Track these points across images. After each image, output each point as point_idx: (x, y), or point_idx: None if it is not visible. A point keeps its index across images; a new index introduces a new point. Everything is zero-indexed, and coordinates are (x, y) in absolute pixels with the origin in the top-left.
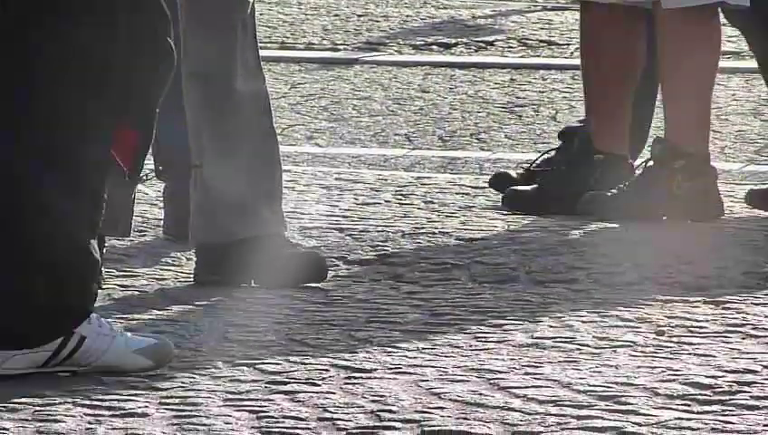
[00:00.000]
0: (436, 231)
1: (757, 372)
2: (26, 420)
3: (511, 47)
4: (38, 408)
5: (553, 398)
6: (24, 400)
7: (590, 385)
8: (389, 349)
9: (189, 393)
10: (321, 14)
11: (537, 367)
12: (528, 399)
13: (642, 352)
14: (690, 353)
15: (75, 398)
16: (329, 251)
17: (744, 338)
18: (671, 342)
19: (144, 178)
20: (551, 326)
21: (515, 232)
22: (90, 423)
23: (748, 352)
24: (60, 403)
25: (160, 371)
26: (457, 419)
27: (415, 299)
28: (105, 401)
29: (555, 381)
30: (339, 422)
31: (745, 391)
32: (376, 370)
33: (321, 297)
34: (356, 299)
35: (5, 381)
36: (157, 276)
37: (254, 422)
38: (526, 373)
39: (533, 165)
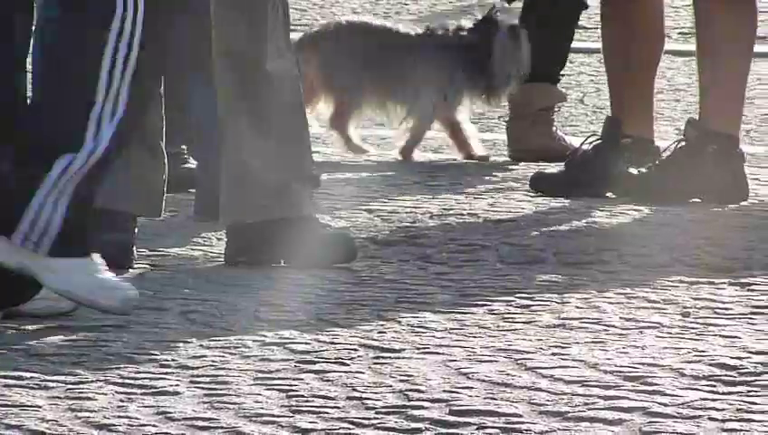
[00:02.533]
0: (465, 212)
1: None
2: (59, 398)
3: None
4: (70, 386)
5: (580, 378)
6: (56, 378)
7: (617, 366)
8: (418, 329)
9: (220, 372)
10: None
11: (564, 347)
12: (555, 379)
13: (668, 333)
14: (716, 335)
15: (107, 376)
16: (358, 232)
17: None
18: (697, 323)
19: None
20: (577, 307)
21: (543, 214)
22: (121, 401)
23: None
24: (92, 381)
25: (191, 350)
26: (485, 399)
27: (443, 280)
28: (137, 379)
29: (582, 361)
30: (367, 401)
31: None
32: (404, 350)
33: (350, 278)
34: (385, 280)
35: (38, 360)
36: (187, 256)
37: (284, 401)
38: (553, 354)
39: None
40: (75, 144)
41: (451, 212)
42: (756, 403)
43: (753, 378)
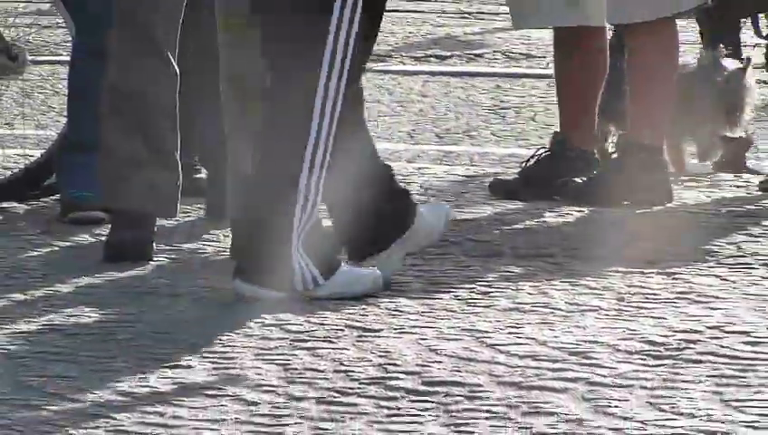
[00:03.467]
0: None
1: (701, 332)
2: (90, 370)
3: (496, 59)
4: (100, 360)
5: (532, 353)
6: (88, 353)
7: (563, 343)
8: (395, 312)
9: (226, 349)
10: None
11: (518, 328)
12: (511, 354)
13: (606, 315)
14: (646, 316)
15: (130, 352)
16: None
17: (690, 303)
18: (630, 306)
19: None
20: (529, 293)
21: (501, 214)
22: (143, 373)
23: (694, 316)
24: (117, 356)
25: (202, 330)
26: (451, 371)
27: (416, 271)
28: (155, 354)
29: (533, 339)
30: (352, 374)
31: (691, 348)
32: (383, 330)
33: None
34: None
35: (73, 339)
36: (199, 250)
37: (281, 373)
38: (509, 333)
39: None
40: None
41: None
42: (680, 374)
43: (677, 353)
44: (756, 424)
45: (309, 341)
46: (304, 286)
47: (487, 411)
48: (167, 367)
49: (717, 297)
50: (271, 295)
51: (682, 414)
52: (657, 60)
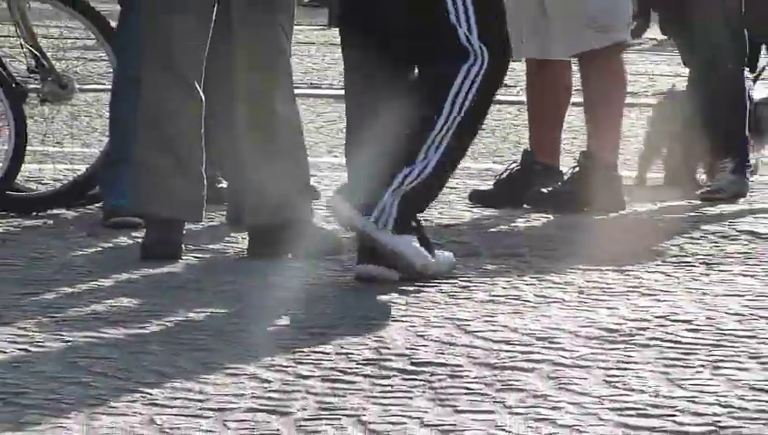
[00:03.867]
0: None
1: (649, 320)
2: (129, 352)
3: None
4: (136, 343)
5: (505, 339)
6: (125, 337)
7: (531, 329)
8: (388, 303)
9: (243, 334)
10: (339, 63)
11: (493, 317)
12: (486, 339)
13: (568, 306)
14: (602, 307)
15: (161, 337)
16: (344, 233)
17: (640, 296)
18: (589, 299)
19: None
20: (503, 287)
21: (478, 220)
22: (172, 354)
23: (643, 307)
24: (151, 341)
25: (223, 318)
26: (436, 354)
27: None
28: (183, 339)
29: (506, 326)
30: (351, 356)
31: (641, 334)
32: (377, 318)
33: (338, 266)
34: (350, 268)
35: (113, 325)
36: (221, 251)
37: (290, 355)
38: (485, 321)
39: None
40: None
41: None
42: (631, 356)
43: (629, 338)
44: (696, 399)
45: (314, 328)
46: (420, 264)
47: (466, 388)
48: (193, 350)
49: (663, 291)
50: (394, 276)
51: (633, 390)
52: (607, 86)
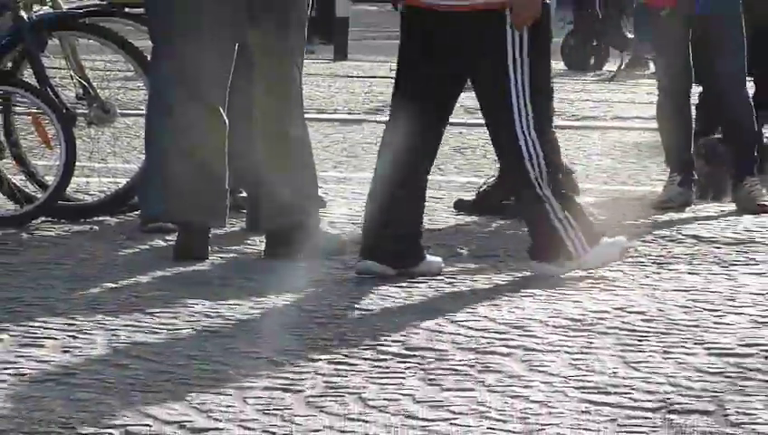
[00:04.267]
0: None
1: (609, 311)
2: (162, 338)
3: (459, 113)
4: (168, 330)
5: (484, 327)
6: (158, 325)
7: (507, 319)
8: (384, 297)
9: (260, 325)
10: (342, 92)
11: (474, 308)
12: (469, 328)
13: (539, 299)
14: (568, 300)
15: (190, 323)
16: (347, 237)
17: (601, 291)
18: (557, 293)
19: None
20: (482, 284)
21: (461, 226)
22: (201, 340)
23: (603, 300)
24: (181, 328)
25: (245, 309)
26: (426, 340)
27: None
28: (211, 328)
29: (485, 317)
30: (352, 341)
31: (601, 323)
32: (375, 310)
33: (340, 265)
34: (351, 265)
35: (147, 315)
36: (243, 252)
37: (300, 341)
38: (467, 312)
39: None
40: None
41: None
42: (593, 343)
43: (591, 327)
44: (649, 379)
45: (321, 318)
46: (577, 255)
47: (452, 370)
48: (218, 337)
49: (620, 287)
50: (391, 272)
51: (595, 372)
52: None
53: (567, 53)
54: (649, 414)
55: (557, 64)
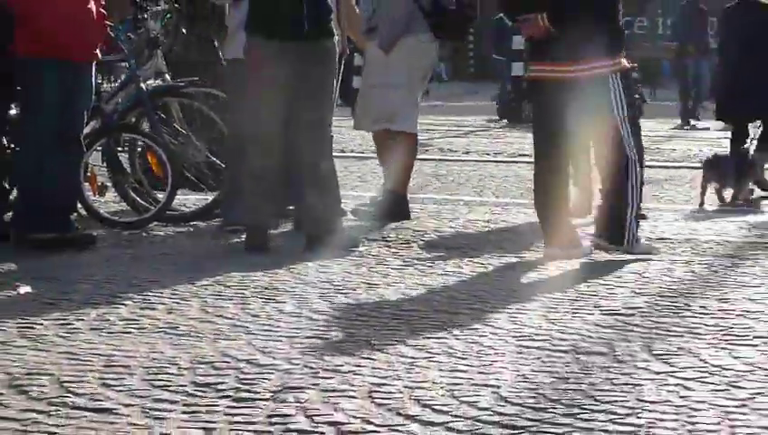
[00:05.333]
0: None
1: (537, 280)
2: (222, 318)
3: (434, 151)
4: (234, 305)
5: (453, 295)
6: (223, 297)
7: (469, 289)
8: (385, 277)
9: (298, 290)
10: (356, 137)
11: (446, 282)
12: (442, 295)
13: (487, 275)
14: (509, 276)
15: (253, 293)
16: (360, 233)
17: (528, 270)
18: (500, 270)
19: None
20: (452, 266)
21: (439, 229)
22: (246, 306)
23: (531, 271)
24: (248, 297)
25: (292, 285)
26: (411, 304)
27: (394, 254)
28: (262, 293)
29: (452, 287)
30: (356, 309)
31: (533, 294)
32: (377, 286)
33: (356, 255)
34: (365, 256)
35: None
36: (289, 247)
37: (326, 303)
38: (442, 283)
39: None
40: None
41: (394, 230)
42: (525, 305)
43: (524, 296)
44: (563, 331)
45: (340, 287)
46: (630, 244)
47: (430, 325)
48: (266, 300)
49: (545, 268)
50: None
51: (526, 326)
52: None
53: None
54: (563, 355)
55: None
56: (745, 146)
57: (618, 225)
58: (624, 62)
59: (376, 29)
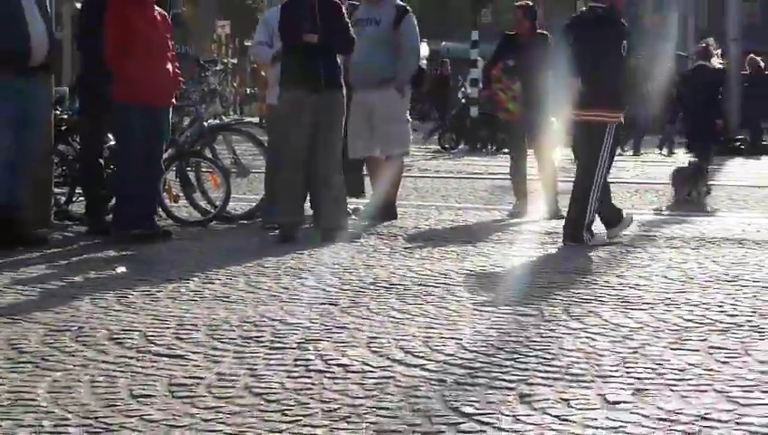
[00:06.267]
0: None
1: (480, 267)
2: (261, 295)
3: (414, 171)
4: (272, 289)
5: (425, 274)
6: (262, 280)
7: (435, 269)
8: (381, 257)
9: (316, 272)
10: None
11: (422, 265)
12: (419, 274)
13: (454, 259)
14: (466, 260)
15: (284, 274)
16: (360, 229)
17: (476, 254)
18: (467, 255)
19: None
20: (438, 254)
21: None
22: (280, 284)
23: (474, 260)
24: (281, 274)
25: (320, 266)
26: (400, 279)
27: (392, 245)
28: (293, 270)
29: (434, 269)
30: (363, 280)
31: (467, 273)
32: (374, 265)
33: (359, 244)
34: (363, 244)
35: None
36: (308, 239)
37: (337, 274)
38: (419, 265)
39: None
40: None
41: (385, 227)
42: (470, 279)
43: (461, 273)
44: (485, 285)
45: (349, 267)
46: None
47: (412, 294)
48: (297, 274)
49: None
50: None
51: (472, 292)
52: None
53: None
54: (506, 315)
55: None
56: (693, 160)
57: (578, 227)
58: (621, 117)
59: (388, 80)
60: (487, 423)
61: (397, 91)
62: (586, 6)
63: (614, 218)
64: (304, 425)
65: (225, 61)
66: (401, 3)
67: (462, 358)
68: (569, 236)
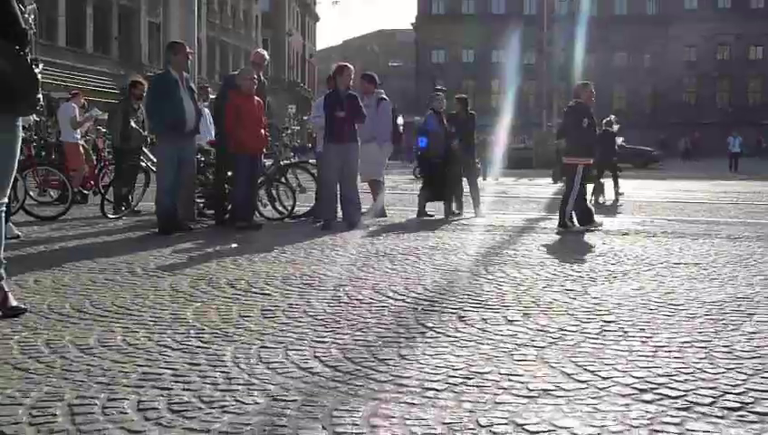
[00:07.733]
0: (395, 232)
1: (445, 251)
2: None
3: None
4: (304, 276)
5: (405, 250)
6: (294, 269)
7: (410, 247)
8: (377, 243)
9: (335, 257)
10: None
11: (407, 243)
12: (397, 254)
13: (424, 238)
14: (431, 238)
15: (310, 261)
16: (368, 223)
17: (445, 251)
18: (439, 240)
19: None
20: (429, 246)
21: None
22: (307, 268)
23: (436, 238)
24: (311, 254)
25: (343, 254)
26: (389, 250)
27: (389, 240)
28: (328, 257)
29: (408, 246)
30: (364, 259)
31: (435, 254)
32: (371, 257)
33: (367, 234)
34: (370, 232)
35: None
36: (339, 229)
37: (350, 254)
38: (402, 247)
39: None
40: None
41: (381, 222)
42: (435, 258)
43: (424, 253)
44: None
45: (357, 246)
46: (568, 227)
47: (398, 259)
48: (330, 250)
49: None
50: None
51: (439, 271)
52: (380, 187)
53: None
54: (449, 267)
55: None
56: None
57: (561, 217)
58: (590, 161)
59: (374, 138)
60: (441, 332)
61: (378, 145)
62: (572, 102)
63: (585, 217)
64: (337, 334)
65: (293, 127)
66: (383, 95)
67: (426, 296)
68: (559, 224)
